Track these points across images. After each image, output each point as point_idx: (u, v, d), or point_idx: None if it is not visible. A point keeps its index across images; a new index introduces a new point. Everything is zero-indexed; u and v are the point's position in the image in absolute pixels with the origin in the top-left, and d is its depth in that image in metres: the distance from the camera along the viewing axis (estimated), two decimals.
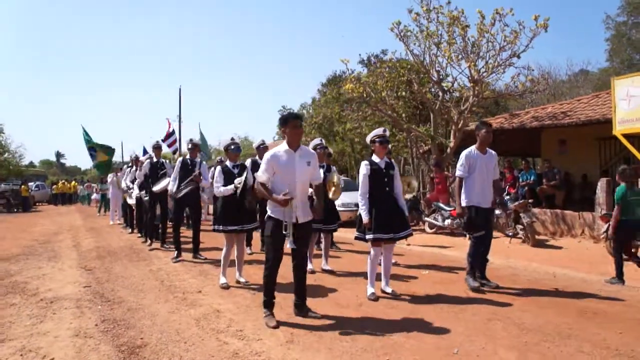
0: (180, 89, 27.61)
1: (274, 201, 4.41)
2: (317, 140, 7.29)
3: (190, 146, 8.05)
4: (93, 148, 17.92)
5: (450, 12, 12.40)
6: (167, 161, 8.53)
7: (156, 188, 8.95)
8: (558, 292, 5.65)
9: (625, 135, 7.76)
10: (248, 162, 7.60)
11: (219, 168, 6.34)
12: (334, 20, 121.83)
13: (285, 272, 4.97)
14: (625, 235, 6.20)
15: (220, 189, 6.08)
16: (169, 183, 8.08)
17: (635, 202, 6.03)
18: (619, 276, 6.07)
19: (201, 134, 19.90)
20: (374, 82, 14.33)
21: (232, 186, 6.01)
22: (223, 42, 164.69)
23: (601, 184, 9.67)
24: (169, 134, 18.66)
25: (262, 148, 8.42)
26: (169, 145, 18.54)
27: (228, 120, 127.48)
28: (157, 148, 9.69)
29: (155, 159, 9.52)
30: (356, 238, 5.64)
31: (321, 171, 7.00)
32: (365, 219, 5.31)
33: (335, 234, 8.30)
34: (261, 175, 4.47)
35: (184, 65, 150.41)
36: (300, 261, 4.67)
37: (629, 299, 5.31)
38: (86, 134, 17.99)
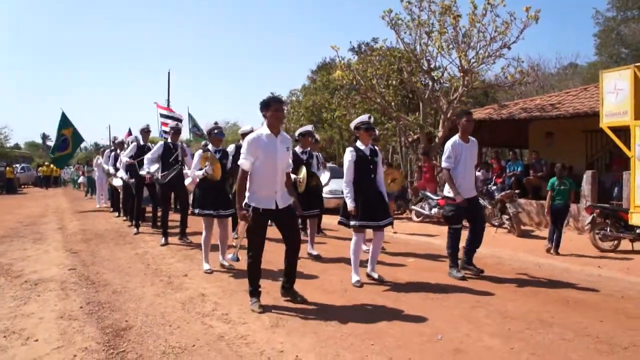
0: (169, 74, 27.15)
1: (238, 203, 4.41)
2: (308, 127, 7.27)
3: (174, 131, 8.01)
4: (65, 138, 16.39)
5: (443, 1, 12.38)
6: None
7: (143, 172, 8.83)
8: (541, 282, 5.73)
9: (612, 128, 7.81)
10: (231, 148, 7.45)
11: (199, 152, 6.32)
12: (325, 6, 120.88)
13: (271, 258, 4.98)
14: (556, 214, 7.65)
15: (195, 173, 6.14)
16: (157, 169, 7.96)
17: (563, 190, 7.62)
18: (555, 246, 7.60)
19: (190, 116, 19.30)
20: (363, 69, 14.29)
21: (202, 172, 6.06)
22: (213, 27, 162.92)
23: (586, 177, 9.79)
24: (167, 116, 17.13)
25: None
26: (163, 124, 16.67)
27: (217, 106, 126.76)
28: (146, 132, 9.56)
29: (142, 142, 9.40)
30: (339, 223, 5.62)
31: (304, 157, 7.04)
32: (350, 206, 5.26)
33: (322, 220, 8.32)
34: (244, 162, 4.38)
35: (172, 50, 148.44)
36: (294, 245, 4.63)
37: (609, 289, 5.40)
38: (65, 119, 16.50)
